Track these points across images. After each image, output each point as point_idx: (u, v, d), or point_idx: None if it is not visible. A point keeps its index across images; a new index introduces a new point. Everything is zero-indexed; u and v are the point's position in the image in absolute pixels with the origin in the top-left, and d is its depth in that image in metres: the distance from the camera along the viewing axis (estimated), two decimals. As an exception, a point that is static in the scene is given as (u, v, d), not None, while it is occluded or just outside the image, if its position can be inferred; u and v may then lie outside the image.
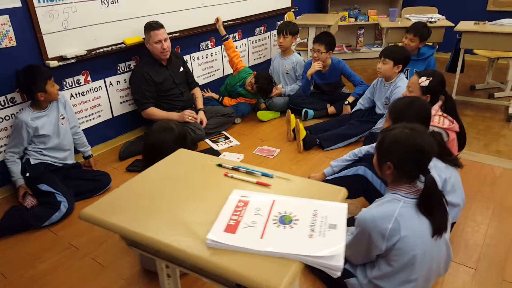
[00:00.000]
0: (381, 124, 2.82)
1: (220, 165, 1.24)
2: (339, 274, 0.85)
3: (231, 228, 0.93)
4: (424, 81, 2.26)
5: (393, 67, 2.84)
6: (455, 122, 2.18)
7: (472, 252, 1.91)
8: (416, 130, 1.40)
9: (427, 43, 3.51)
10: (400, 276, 1.41)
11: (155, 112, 2.98)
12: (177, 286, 1.39)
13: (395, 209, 1.37)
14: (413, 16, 4.05)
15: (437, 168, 1.75)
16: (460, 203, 1.86)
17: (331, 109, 3.50)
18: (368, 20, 5.41)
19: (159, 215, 1.01)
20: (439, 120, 2.17)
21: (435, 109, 2.22)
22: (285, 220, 0.96)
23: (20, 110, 2.46)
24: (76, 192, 2.36)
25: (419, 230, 1.38)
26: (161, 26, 2.87)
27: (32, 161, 2.35)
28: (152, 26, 2.85)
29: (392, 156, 1.41)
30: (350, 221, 1.69)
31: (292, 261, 0.84)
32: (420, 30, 3.34)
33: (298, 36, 3.76)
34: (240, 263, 0.84)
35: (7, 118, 2.42)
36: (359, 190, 2.05)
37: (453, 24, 3.65)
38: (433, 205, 1.38)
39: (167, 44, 2.90)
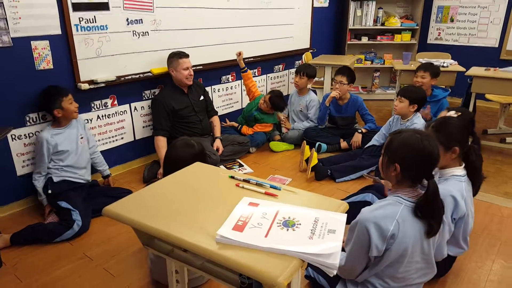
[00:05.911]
0: None
1: (232, 177, 1.35)
2: (335, 272, 0.92)
3: (239, 227, 1.02)
4: (453, 115, 2.31)
5: (409, 106, 2.94)
6: None
7: (475, 286, 1.92)
8: (425, 135, 1.46)
9: (440, 86, 3.62)
10: (386, 272, 1.49)
11: (159, 143, 3.08)
12: (184, 292, 1.46)
13: (397, 212, 1.43)
14: (426, 60, 4.20)
15: None
16: None
17: (344, 144, 3.61)
18: (383, 63, 5.60)
19: (174, 215, 1.11)
20: None
21: None
22: (288, 224, 1.04)
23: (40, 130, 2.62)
24: (101, 208, 2.47)
25: (413, 231, 1.44)
26: (188, 56, 3.13)
27: (55, 179, 2.48)
28: (180, 54, 3.11)
29: (401, 158, 1.46)
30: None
31: (293, 258, 0.92)
32: (429, 66, 3.47)
33: (314, 79, 3.91)
34: (245, 257, 0.93)
35: (37, 133, 2.60)
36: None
37: (464, 69, 3.79)
38: (433, 209, 1.43)
39: (192, 72, 3.15)
